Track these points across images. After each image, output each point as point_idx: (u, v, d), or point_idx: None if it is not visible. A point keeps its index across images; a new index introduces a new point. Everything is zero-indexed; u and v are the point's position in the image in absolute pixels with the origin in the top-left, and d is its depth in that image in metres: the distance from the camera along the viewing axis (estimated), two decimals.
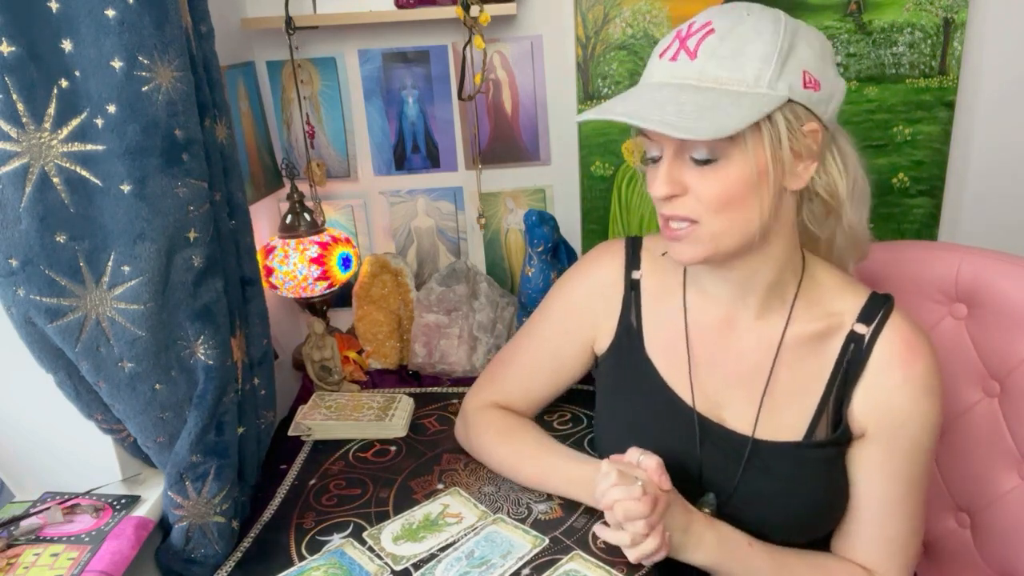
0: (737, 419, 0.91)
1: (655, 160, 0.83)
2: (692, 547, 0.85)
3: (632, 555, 0.82)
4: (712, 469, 0.91)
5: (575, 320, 1.04)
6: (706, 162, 0.78)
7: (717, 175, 0.78)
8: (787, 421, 0.89)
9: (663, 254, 0.99)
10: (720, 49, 0.76)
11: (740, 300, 0.91)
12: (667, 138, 0.78)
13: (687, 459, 0.92)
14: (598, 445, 1.04)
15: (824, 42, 0.81)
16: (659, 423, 0.95)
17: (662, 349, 0.97)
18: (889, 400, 0.85)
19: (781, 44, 0.76)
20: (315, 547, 0.95)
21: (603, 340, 1.02)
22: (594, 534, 0.92)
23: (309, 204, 1.45)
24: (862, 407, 0.87)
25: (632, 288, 1.00)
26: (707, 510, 0.90)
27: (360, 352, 1.49)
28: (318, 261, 1.38)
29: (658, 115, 0.75)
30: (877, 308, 0.88)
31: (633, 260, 1.01)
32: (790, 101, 0.77)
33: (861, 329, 0.87)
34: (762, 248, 0.85)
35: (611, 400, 1.01)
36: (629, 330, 0.99)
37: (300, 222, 1.40)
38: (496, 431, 1.06)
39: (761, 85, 0.76)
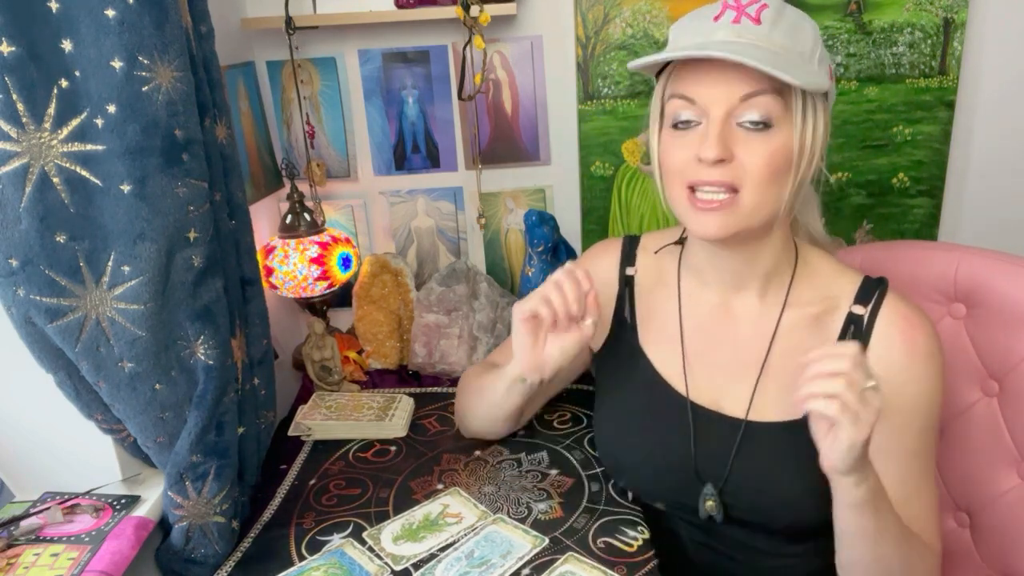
0: (734, 405, 0.92)
1: (686, 125, 0.82)
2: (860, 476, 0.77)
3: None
4: (707, 457, 0.91)
5: None
6: (761, 127, 0.78)
7: (767, 143, 0.79)
8: (785, 403, 0.89)
9: (656, 252, 1.01)
10: (780, 21, 0.79)
11: (737, 287, 0.92)
12: (720, 99, 0.78)
13: (682, 448, 0.92)
14: (596, 438, 1.05)
15: None
16: (654, 414, 0.95)
17: (657, 341, 0.98)
18: (896, 376, 0.85)
19: (818, 34, 0.80)
20: (315, 547, 0.95)
21: (599, 336, 1.03)
22: (594, 533, 0.92)
23: (309, 204, 1.45)
24: None
25: (626, 284, 1.01)
26: (711, 502, 0.90)
27: (360, 352, 1.49)
28: (318, 261, 1.38)
29: (763, 59, 0.74)
30: (872, 290, 0.89)
31: (628, 257, 1.03)
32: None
33: (859, 310, 0.88)
34: (766, 234, 0.87)
35: (607, 394, 1.02)
36: (623, 324, 1.01)
37: (300, 222, 1.40)
38: (473, 375, 1.12)
39: (814, 63, 0.80)
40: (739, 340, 0.93)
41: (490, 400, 1.06)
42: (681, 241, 0.99)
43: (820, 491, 0.88)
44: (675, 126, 0.83)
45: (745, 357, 0.92)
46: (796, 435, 0.88)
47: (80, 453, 0.98)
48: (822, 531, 0.92)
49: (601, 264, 1.04)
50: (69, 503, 0.94)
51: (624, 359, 1.00)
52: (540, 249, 1.34)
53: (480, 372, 1.12)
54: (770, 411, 0.90)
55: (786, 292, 0.91)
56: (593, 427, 1.08)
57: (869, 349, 0.87)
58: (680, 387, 0.94)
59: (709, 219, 0.81)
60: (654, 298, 0.99)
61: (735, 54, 0.74)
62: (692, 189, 0.82)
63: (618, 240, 1.05)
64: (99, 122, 0.78)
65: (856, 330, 0.88)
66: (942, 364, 0.87)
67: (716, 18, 0.81)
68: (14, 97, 0.73)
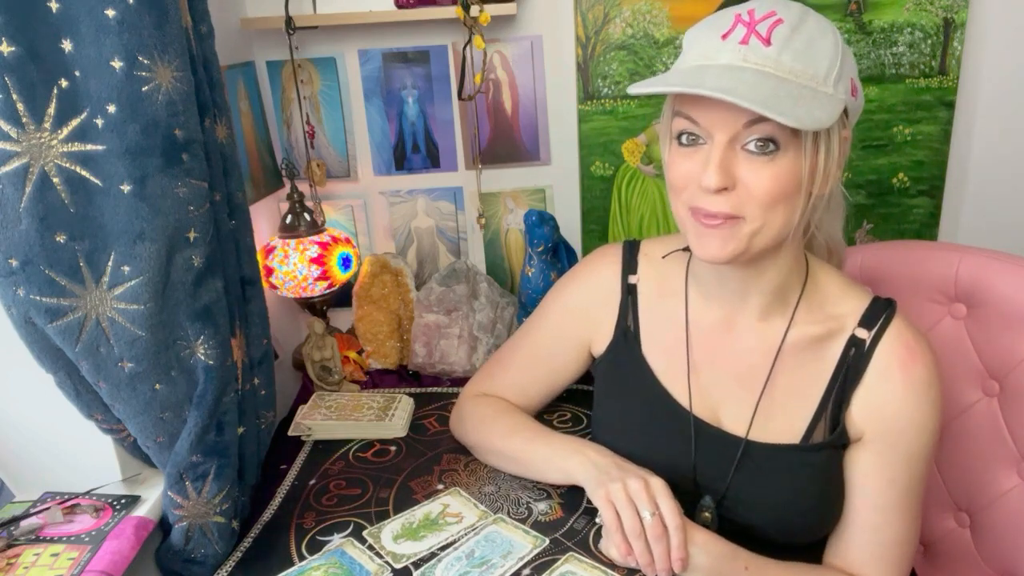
0: (733, 421, 0.91)
1: (692, 142, 0.78)
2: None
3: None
4: (706, 471, 0.91)
5: (572, 323, 1.05)
6: (767, 152, 0.74)
7: (773, 168, 0.75)
8: (784, 424, 0.89)
9: (664, 256, 0.99)
10: (793, 40, 0.73)
11: (742, 302, 0.90)
12: (723, 124, 0.74)
13: (682, 460, 0.91)
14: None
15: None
16: (654, 425, 0.95)
17: (660, 351, 0.97)
18: (888, 405, 0.85)
19: (840, 47, 0.75)
20: (315, 547, 0.95)
21: (600, 343, 1.02)
22: (595, 535, 0.92)
23: (309, 204, 1.45)
24: (860, 411, 0.86)
25: (629, 292, 1.00)
26: (707, 514, 0.90)
27: (360, 352, 1.49)
28: (318, 261, 1.38)
29: (754, 96, 0.70)
30: (879, 313, 0.87)
31: (630, 264, 1.01)
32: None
33: (862, 334, 0.87)
34: (776, 251, 0.84)
35: (607, 402, 1.01)
36: (626, 333, 1.00)
37: (300, 222, 1.40)
38: (492, 411, 1.08)
39: (828, 85, 0.74)
40: (740, 356, 0.91)
41: (524, 471, 1.03)
42: (688, 248, 0.98)
43: (817, 512, 0.89)
44: (680, 142, 0.79)
45: (746, 374, 0.91)
46: (795, 457, 0.88)
47: (80, 453, 0.98)
48: (818, 545, 0.92)
49: (601, 271, 1.03)
50: (69, 503, 0.94)
51: (626, 368, 0.99)
52: (540, 249, 1.34)
53: (508, 424, 1.06)
54: (771, 432, 0.89)
55: (792, 311, 0.89)
56: (592, 434, 1.07)
57: (866, 374, 0.86)
58: (683, 399, 0.93)
59: (711, 240, 0.79)
60: (658, 307, 0.98)
61: (726, 92, 0.70)
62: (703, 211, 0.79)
63: (617, 246, 1.03)
64: (99, 122, 0.78)
65: (856, 354, 0.87)
66: (938, 397, 0.85)
67: (725, 36, 0.75)
68: (14, 97, 0.73)
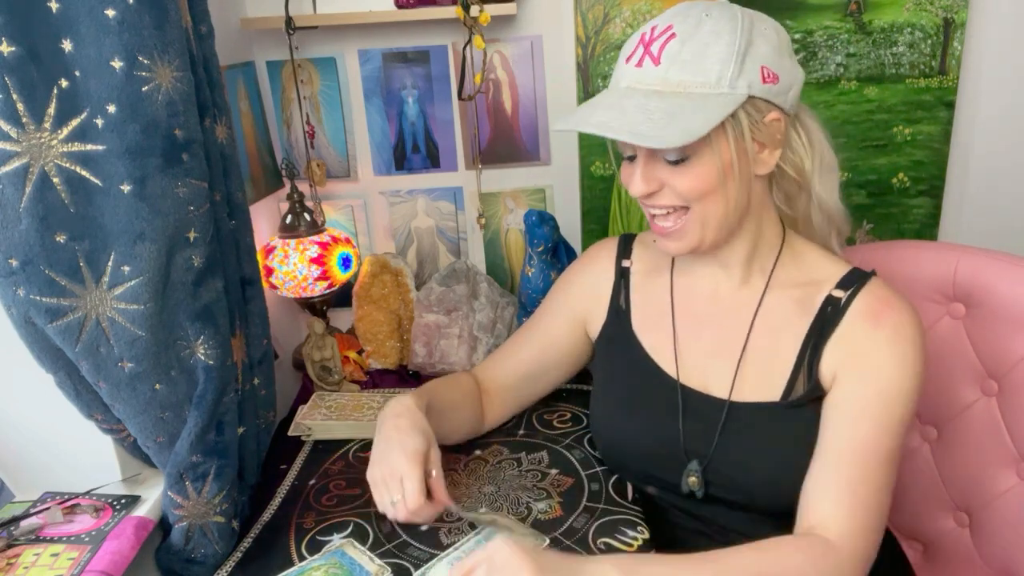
0: (719, 386, 0.94)
1: (631, 159, 0.88)
2: None
3: None
4: (693, 437, 0.93)
5: (563, 299, 1.10)
6: (678, 162, 0.83)
7: (690, 172, 0.83)
8: (765, 383, 0.91)
9: (655, 240, 1.02)
10: (682, 53, 0.81)
11: (723, 271, 0.96)
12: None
13: (669, 429, 0.95)
14: (591, 420, 1.08)
15: (781, 34, 0.85)
16: (645, 396, 0.98)
17: (650, 327, 1.01)
18: (858, 345, 0.87)
19: (739, 44, 0.80)
20: (315, 547, 0.95)
21: (595, 324, 1.07)
22: (594, 533, 0.93)
23: (309, 204, 1.45)
24: (832, 356, 0.88)
25: (622, 275, 1.06)
26: (693, 478, 0.92)
27: (360, 352, 1.49)
28: (318, 261, 1.38)
29: (627, 125, 0.79)
30: (857, 278, 0.91)
31: (624, 251, 1.08)
32: (750, 97, 0.81)
33: (839, 293, 0.90)
34: (737, 229, 0.90)
35: (603, 378, 1.06)
36: (618, 312, 1.05)
37: (300, 222, 1.40)
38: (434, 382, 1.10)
39: (723, 86, 0.80)
40: (725, 322, 0.96)
41: None
42: None
43: (799, 470, 0.88)
44: (625, 156, 0.89)
45: (730, 339, 0.95)
46: (775, 415, 0.90)
47: (80, 453, 0.98)
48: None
49: (597, 259, 1.09)
50: (69, 503, 0.94)
51: (619, 345, 1.03)
52: (540, 249, 1.34)
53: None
54: (752, 392, 0.92)
55: (769, 274, 0.94)
56: (589, 410, 1.09)
57: (840, 326, 0.88)
58: (671, 370, 0.97)
59: (667, 242, 0.91)
60: (649, 286, 1.04)
61: (601, 126, 0.79)
62: (652, 212, 0.90)
63: (615, 238, 1.10)
64: (99, 122, 0.78)
65: (833, 310, 0.89)
66: (914, 342, 0.85)
67: (628, 59, 0.84)
68: (14, 97, 0.73)
